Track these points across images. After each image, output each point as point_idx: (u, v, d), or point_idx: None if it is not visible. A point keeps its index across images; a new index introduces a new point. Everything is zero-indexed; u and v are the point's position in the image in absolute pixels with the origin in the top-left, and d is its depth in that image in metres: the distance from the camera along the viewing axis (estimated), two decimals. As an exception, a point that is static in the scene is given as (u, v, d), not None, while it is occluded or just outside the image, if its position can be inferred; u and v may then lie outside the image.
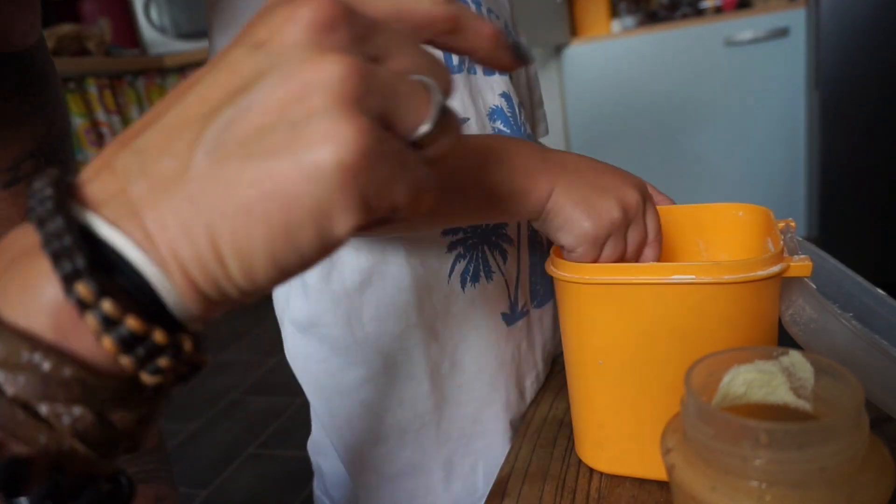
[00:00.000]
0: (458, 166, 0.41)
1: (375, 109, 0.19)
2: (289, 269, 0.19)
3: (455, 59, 0.54)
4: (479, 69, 0.56)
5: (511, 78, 0.60)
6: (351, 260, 0.52)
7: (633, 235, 0.44)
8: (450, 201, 0.42)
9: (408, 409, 0.55)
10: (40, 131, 0.46)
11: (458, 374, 0.56)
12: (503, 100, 0.58)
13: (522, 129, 0.59)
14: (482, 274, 0.55)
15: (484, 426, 0.58)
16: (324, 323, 0.54)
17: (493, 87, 0.57)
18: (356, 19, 0.19)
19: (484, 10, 0.57)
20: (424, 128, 0.20)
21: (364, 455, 0.57)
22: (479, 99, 0.56)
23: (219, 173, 0.18)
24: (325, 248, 0.19)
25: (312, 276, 0.53)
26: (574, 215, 0.42)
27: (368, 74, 0.18)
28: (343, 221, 0.18)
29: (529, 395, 0.61)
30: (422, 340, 0.54)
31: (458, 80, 0.54)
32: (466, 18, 0.23)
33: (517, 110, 0.59)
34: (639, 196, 0.44)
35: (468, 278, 0.55)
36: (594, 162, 0.46)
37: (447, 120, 0.21)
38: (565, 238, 0.43)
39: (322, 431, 0.60)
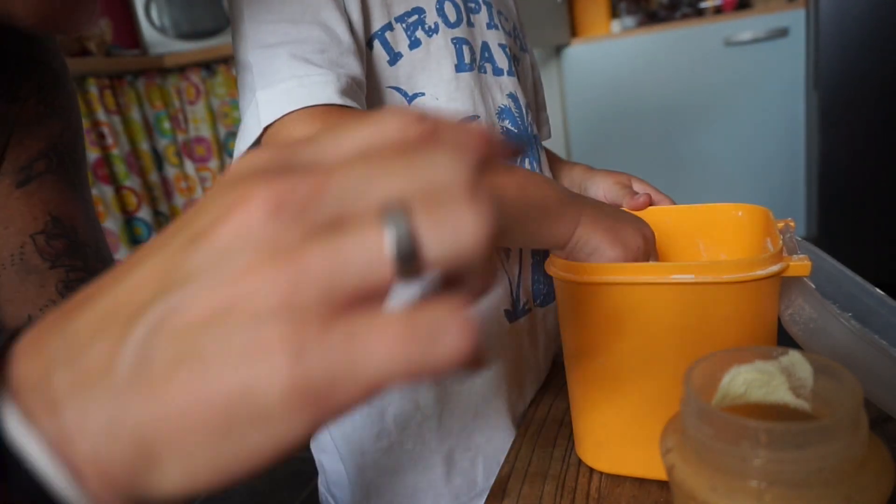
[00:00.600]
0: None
1: (317, 306, 0.17)
2: (236, 472, 0.17)
3: (466, 56, 0.54)
4: (488, 68, 0.57)
5: (518, 79, 0.61)
6: None
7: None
8: None
9: (409, 401, 0.55)
10: (55, 132, 0.46)
11: None
12: (510, 100, 0.58)
13: (529, 129, 0.60)
14: None
15: (484, 420, 0.58)
16: None
17: (502, 87, 0.58)
18: (305, 198, 0.17)
19: (494, 12, 0.58)
20: (389, 271, 0.17)
21: (365, 450, 0.57)
22: (489, 97, 0.56)
23: (148, 371, 0.17)
24: (280, 454, 0.17)
25: None
26: (604, 243, 0.44)
27: (308, 280, 0.16)
28: (286, 431, 0.17)
29: (529, 393, 0.61)
30: None
31: (468, 77, 0.54)
32: (444, 129, 0.19)
33: (524, 111, 0.60)
34: (650, 232, 0.47)
35: None
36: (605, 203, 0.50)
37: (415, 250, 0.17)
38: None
39: (324, 428, 0.60)
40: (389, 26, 0.51)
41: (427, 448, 0.57)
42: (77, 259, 0.45)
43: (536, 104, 0.70)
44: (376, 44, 0.51)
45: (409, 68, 0.52)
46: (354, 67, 0.46)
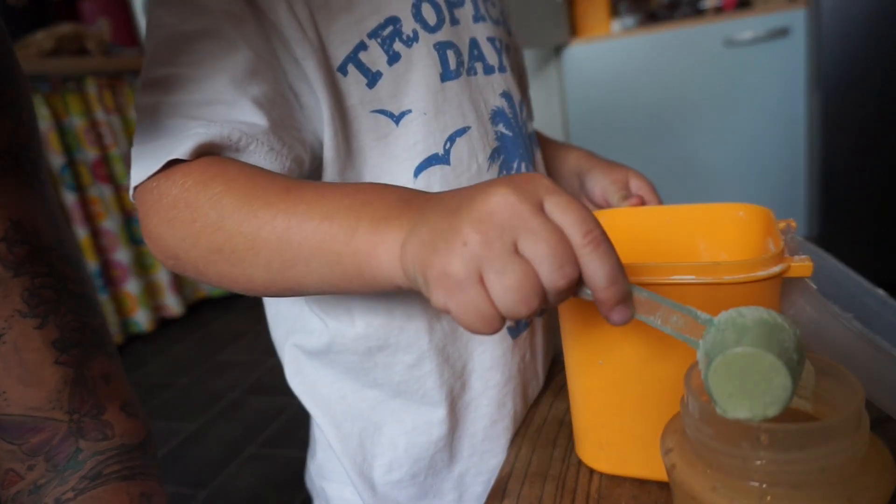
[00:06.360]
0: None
1: None
2: None
3: (452, 61, 0.51)
4: (479, 67, 0.54)
5: (511, 70, 0.57)
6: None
7: (534, 248, 0.30)
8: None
9: (423, 434, 0.54)
10: (6, 130, 0.43)
11: (466, 392, 0.54)
12: (504, 99, 0.55)
13: (524, 128, 0.58)
14: None
15: (494, 443, 0.56)
16: (337, 350, 0.52)
17: (495, 87, 0.54)
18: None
19: (480, 1, 0.55)
20: None
21: (375, 481, 0.55)
22: (481, 102, 0.53)
23: None
24: None
25: (327, 306, 0.51)
26: (431, 286, 0.31)
27: None
28: None
29: (531, 403, 0.60)
30: (436, 367, 0.52)
31: (456, 86, 0.51)
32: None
33: (518, 109, 0.57)
34: (507, 201, 0.30)
35: None
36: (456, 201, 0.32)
37: None
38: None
39: (330, 455, 0.58)
40: (363, 45, 0.47)
41: (438, 477, 0.56)
42: (41, 265, 0.43)
43: (522, 90, 0.64)
44: (350, 68, 0.47)
45: (391, 86, 0.48)
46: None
